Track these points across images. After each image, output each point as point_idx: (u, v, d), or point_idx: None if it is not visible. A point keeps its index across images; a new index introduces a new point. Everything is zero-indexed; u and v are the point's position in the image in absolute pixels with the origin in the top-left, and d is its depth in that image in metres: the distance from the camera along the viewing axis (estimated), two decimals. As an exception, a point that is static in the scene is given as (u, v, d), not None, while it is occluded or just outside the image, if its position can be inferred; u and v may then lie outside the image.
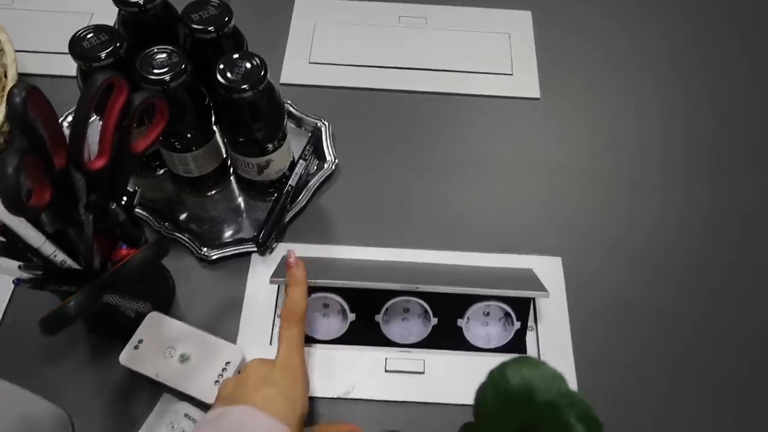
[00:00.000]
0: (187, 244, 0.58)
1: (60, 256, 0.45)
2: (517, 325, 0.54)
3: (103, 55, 0.51)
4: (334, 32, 0.75)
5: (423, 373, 0.53)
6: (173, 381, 0.49)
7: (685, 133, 0.69)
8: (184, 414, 0.49)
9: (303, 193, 0.62)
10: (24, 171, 0.38)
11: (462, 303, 0.54)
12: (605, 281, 0.59)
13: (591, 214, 0.63)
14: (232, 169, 0.63)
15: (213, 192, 0.64)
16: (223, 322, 0.54)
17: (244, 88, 0.51)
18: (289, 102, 0.67)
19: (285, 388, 0.44)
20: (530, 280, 0.56)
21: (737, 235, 0.62)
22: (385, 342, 0.54)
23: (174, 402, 0.49)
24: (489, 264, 0.59)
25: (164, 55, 0.51)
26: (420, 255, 0.59)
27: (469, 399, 0.50)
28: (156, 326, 0.51)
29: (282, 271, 0.53)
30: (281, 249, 0.59)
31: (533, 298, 0.55)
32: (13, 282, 0.42)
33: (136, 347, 0.50)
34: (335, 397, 0.51)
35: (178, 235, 0.59)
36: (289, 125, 0.67)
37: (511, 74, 0.73)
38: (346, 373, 0.52)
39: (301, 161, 0.63)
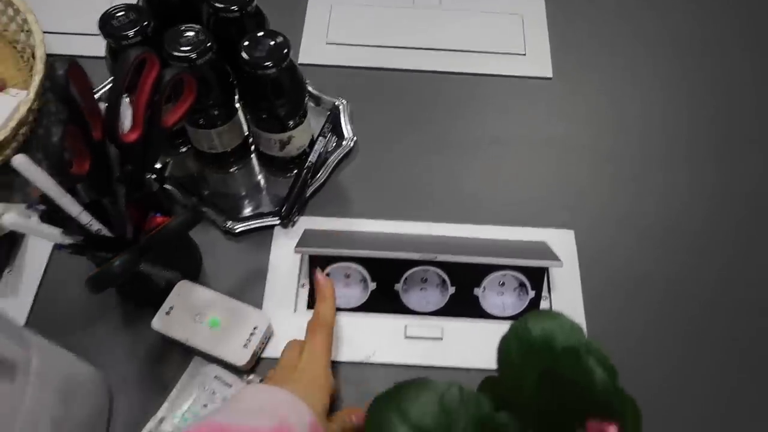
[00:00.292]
0: (212, 218, 0.60)
1: (95, 225, 0.48)
2: (532, 294, 0.56)
3: (131, 33, 0.53)
4: (351, 13, 0.77)
5: (441, 339, 0.55)
6: (204, 345, 0.51)
7: (691, 113, 0.71)
8: (215, 376, 0.51)
9: (322, 169, 0.64)
10: (66, 141, 0.40)
11: (478, 273, 0.56)
12: (616, 253, 0.60)
13: (602, 190, 0.65)
14: (253, 147, 0.65)
15: (234, 168, 0.66)
16: (248, 290, 0.56)
17: (268, 65, 0.52)
18: (307, 81, 0.69)
19: (301, 392, 0.44)
20: (544, 251, 0.58)
21: (742, 208, 0.64)
22: (405, 310, 0.56)
23: (204, 365, 0.52)
24: (504, 237, 0.61)
25: (191, 33, 0.53)
26: (437, 228, 0.61)
27: (484, 363, 0.53)
28: (185, 294, 0.53)
29: (305, 242, 0.55)
30: (303, 222, 0.61)
31: (547, 268, 0.57)
32: (56, 247, 0.44)
33: (167, 313, 0.52)
34: (358, 361, 0.53)
35: (204, 209, 0.61)
36: (308, 104, 0.68)
37: (524, 54, 0.75)
38: (368, 338, 0.55)
39: (320, 138, 0.65)
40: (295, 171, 0.63)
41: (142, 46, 0.54)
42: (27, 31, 0.66)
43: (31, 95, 0.60)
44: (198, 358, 0.52)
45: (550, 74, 0.73)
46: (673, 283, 0.59)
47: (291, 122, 0.59)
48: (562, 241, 0.61)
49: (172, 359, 0.53)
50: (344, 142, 0.66)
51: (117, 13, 0.53)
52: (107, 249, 0.47)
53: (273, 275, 0.57)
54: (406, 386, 0.34)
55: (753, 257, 0.61)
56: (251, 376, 0.52)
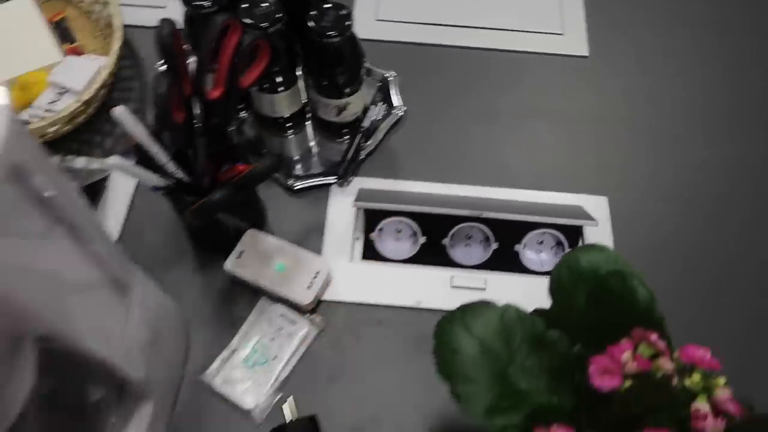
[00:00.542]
0: (275, 176, 0.66)
1: (179, 173, 0.53)
2: (568, 251, 0.61)
3: (208, 3, 0.58)
4: (399, -8, 0.82)
5: (484, 289, 0.60)
6: (271, 286, 0.57)
7: (722, 90, 0.75)
8: (280, 314, 0.57)
9: (374, 135, 0.69)
10: (171, 91, 0.46)
11: (519, 230, 0.61)
12: (647, 218, 0.65)
13: (634, 160, 0.69)
14: (309, 114, 0.71)
15: (290, 133, 0.71)
16: (309, 240, 0.62)
17: (333, 34, 0.58)
18: (361, 54, 0.74)
19: None
20: (580, 212, 0.63)
21: (763, 178, 0.68)
22: (451, 264, 0.61)
23: (271, 304, 0.57)
24: (542, 201, 0.66)
25: (265, 4, 0.58)
26: (480, 191, 0.66)
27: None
28: (254, 241, 0.59)
29: (362, 197, 0.60)
30: (356, 182, 0.66)
31: (582, 229, 0.62)
32: (151, 189, 0.50)
33: (238, 257, 0.58)
34: (409, 306, 0.59)
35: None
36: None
37: (562, 34, 0.79)
38: (418, 286, 0.60)
39: (372, 106, 0.70)
40: (348, 136, 0.69)
41: (217, 13, 0.60)
42: (104, 2, 0.72)
43: (112, 60, 0.66)
44: (264, 298, 0.58)
45: (586, 53, 0.77)
46: (698, 245, 0.64)
47: (348, 89, 0.64)
48: (596, 206, 0.65)
49: (241, 299, 0.59)
50: (394, 111, 0.71)
51: (196, -17, 0.58)
52: (191, 194, 0.53)
53: (330, 228, 0.63)
54: (470, 306, 0.39)
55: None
56: (312, 315, 0.57)
